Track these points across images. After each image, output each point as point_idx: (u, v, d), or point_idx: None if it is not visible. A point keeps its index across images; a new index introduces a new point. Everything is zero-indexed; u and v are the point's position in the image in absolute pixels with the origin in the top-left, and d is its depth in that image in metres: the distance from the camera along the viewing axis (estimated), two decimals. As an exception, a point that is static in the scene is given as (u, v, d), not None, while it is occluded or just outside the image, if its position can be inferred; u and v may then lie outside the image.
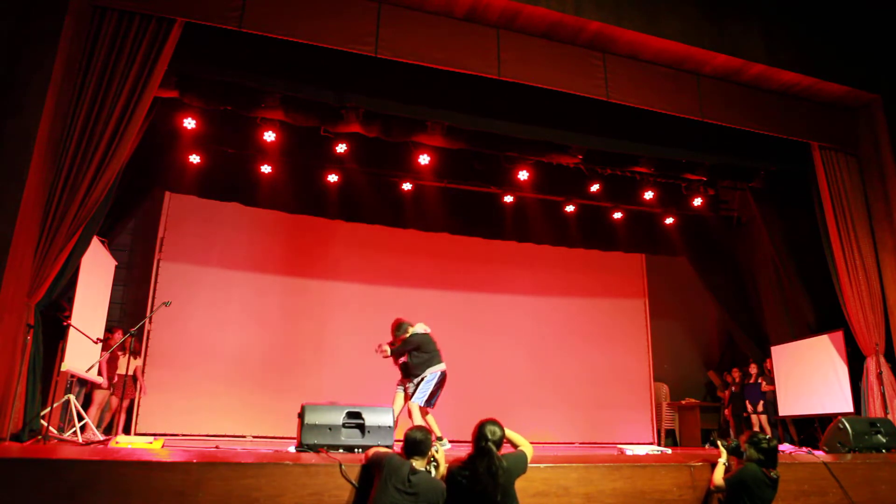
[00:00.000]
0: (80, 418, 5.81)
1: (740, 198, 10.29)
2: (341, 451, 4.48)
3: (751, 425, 9.36)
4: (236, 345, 8.88)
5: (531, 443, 4.00)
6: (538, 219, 9.81)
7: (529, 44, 6.67)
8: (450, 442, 6.38)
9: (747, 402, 9.49)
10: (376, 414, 4.69)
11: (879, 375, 7.18)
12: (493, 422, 3.68)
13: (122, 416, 7.79)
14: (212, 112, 7.30)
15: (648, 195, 9.23)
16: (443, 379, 6.32)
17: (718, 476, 4.50)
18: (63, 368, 5.77)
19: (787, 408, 8.86)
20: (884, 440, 5.95)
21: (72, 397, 5.82)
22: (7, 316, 4.66)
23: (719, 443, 4.73)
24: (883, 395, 7.10)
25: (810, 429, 8.81)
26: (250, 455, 4.14)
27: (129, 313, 8.61)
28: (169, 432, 8.01)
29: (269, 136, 7.55)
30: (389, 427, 4.67)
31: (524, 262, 10.42)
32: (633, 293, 11.13)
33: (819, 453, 5.70)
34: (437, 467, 3.77)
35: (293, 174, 8.72)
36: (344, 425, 4.58)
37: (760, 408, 9.29)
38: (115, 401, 7.61)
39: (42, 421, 5.13)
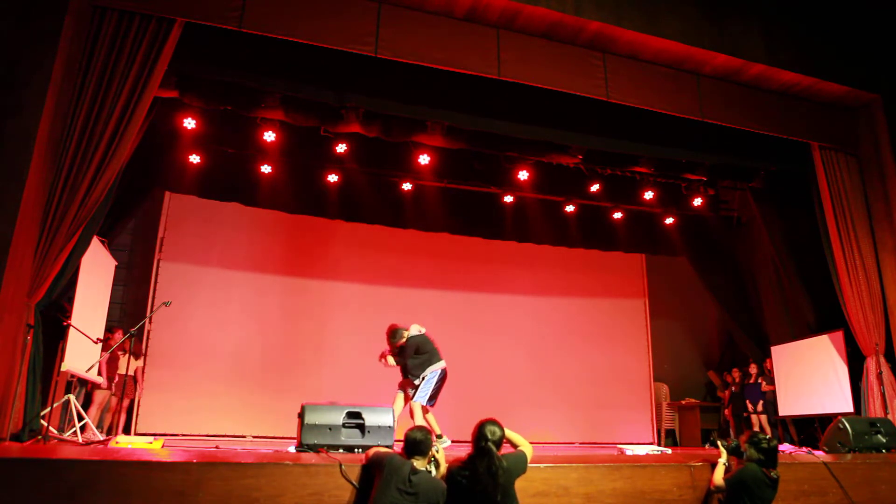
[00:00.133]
0: (80, 418, 5.81)
1: (740, 198, 10.29)
2: (341, 451, 4.48)
3: (751, 425, 9.36)
4: (236, 345, 8.88)
5: (531, 443, 4.00)
6: (538, 219, 9.80)
7: (529, 44, 6.67)
8: (451, 441, 6.38)
9: (748, 401, 9.49)
10: (376, 414, 4.69)
11: (879, 375, 7.18)
12: (493, 422, 3.68)
13: (123, 416, 7.80)
14: (212, 112, 7.30)
15: (648, 195, 9.23)
16: (443, 376, 6.33)
17: (718, 476, 4.50)
18: (63, 368, 5.77)
19: (787, 408, 8.86)
20: (884, 440, 5.95)
21: (72, 397, 5.82)
22: (7, 316, 4.66)
23: (719, 443, 4.73)
24: (883, 395, 7.10)
25: (810, 429, 8.81)
26: (250, 455, 4.14)
27: (129, 313, 8.61)
28: (169, 432, 8.00)
29: (269, 136, 7.55)
30: (389, 427, 4.68)
31: (524, 262, 10.42)
32: (633, 293, 11.13)
33: (819, 453, 5.70)
34: (437, 467, 3.77)
35: (293, 174, 8.72)
36: (344, 425, 4.58)
37: (760, 408, 9.29)
38: (115, 401, 7.60)
39: (42, 421, 5.13)
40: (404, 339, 6.40)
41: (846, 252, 7.59)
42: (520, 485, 3.79)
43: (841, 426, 6.02)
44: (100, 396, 7.48)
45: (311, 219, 9.23)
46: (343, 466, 3.88)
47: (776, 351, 9.13)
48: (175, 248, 8.90)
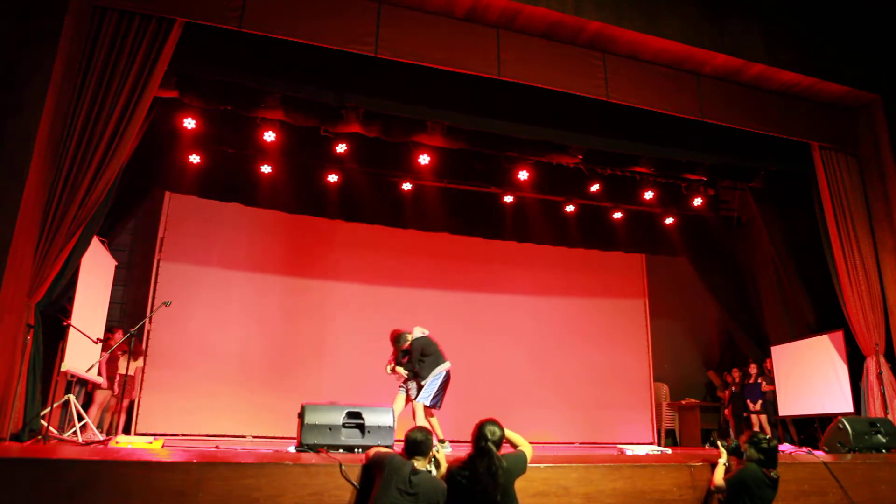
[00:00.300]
0: (80, 418, 5.81)
1: (740, 198, 10.29)
2: (341, 451, 4.48)
3: (751, 425, 9.35)
4: (236, 345, 8.88)
5: (531, 443, 4.00)
6: (538, 219, 9.81)
7: (529, 44, 6.67)
8: (450, 443, 6.38)
9: (748, 401, 9.49)
10: (376, 414, 4.69)
11: (879, 375, 7.18)
12: (493, 422, 3.68)
13: (123, 416, 7.81)
14: (212, 112, 7.30)
15: (648, 195, 9.23)
16: (448, 377, 6.35)
17: (719, 476, 4.50)
18: (63, 368, 5.77)
19: (787, 408, 8.85)
20: (884, 440, 5.95)
21: (72, 397, 5.82)
22: (7, 316, 4.66)
23: (719, 443, 4.73)
24: (883, 395, 7.10)
25: (810, 429, 8.81)
26: (250, 455, 4.14)
27: (129, 313, 8.61)
28: (169, 432, 8.00)
29: (269, 136, 7.55)
30: (389, 427, 4.68)
31: (524, 262, 10.42)
32: (633, 293, 11.13)
33: (819, 453, 5.70)
34: (438, 467, 3.77)
35: (293, 174, 8.72)
36: (344, 425, 4.58)
37: (759, 407, 9.29)
38: (115, 401, 7.61)
39: (42, 421, 5.13)
40: (409, 343, 6.43)
41: (846, 252, 7.59)
42: (520, 485, 3.79)
43: (841, 426, 6.02)
44: (100, 396, 7.48)
45: (311, 219, 9.23)
46: (343, 466, 3.88)
47: (776, 351, 9.13)
48: (175, 248, 8.90)
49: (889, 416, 6.81)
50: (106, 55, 5.39)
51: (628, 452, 5.82)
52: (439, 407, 6.38)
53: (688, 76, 7.30)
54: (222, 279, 9.03)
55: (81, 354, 6.22)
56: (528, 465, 3.84)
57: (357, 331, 9.31)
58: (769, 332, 9.58)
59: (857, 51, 7.71)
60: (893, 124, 7.67)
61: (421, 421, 6.13)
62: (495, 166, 8.58)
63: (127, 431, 7.98)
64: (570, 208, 9.68)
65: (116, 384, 7.58)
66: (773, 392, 9.09)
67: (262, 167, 8.39)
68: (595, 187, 9.11)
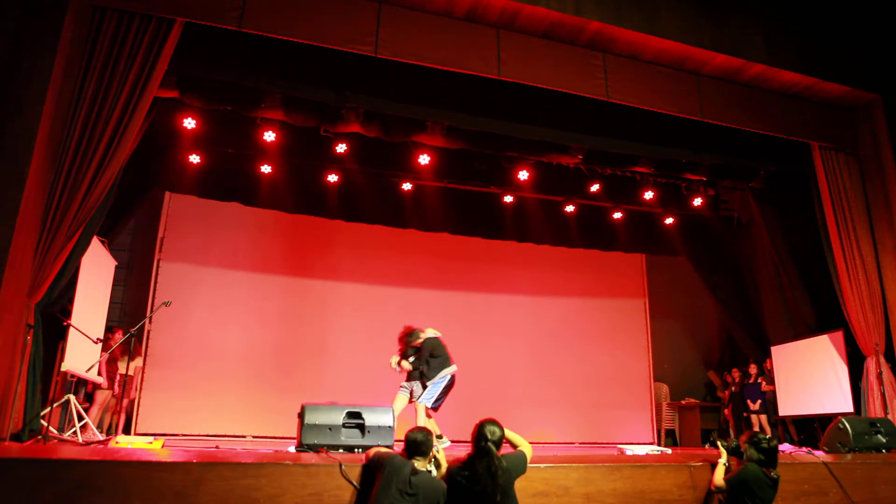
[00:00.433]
0: (80, 418, 5.81)
1: (740, 198, 10.29)
2: (341, 451, 4.48)
3: (751, 425, 9.35)
4: (236, 345, 8.87)
5: (531, 443, 4.00)
6: (538, 219, 9.81)
7: (529, 44, 6.67)
8: (450, 441, 6.38)
9: (748, 401, 9.49)
10: (376, 414, 4.69)
11: (879, 375, 7.18)
12: (493, 422, 3.68)
13: (123, 416, 7.81)
14: (212, 112, 7.30)
15: (648, 195, 9.23)
16: (452, 381, 6.37)
17: (719, 476, 4.50)
18: (63, 368, 5.77)
19: (787, 408, 8.85)
20: (884, 440, 5.95)
21: (72, 397, 5.82)
22: (7, 316, 4.66)
23: (719, 443, 4.72)
24: (883, 395, 7.10)
25: (810, 429, 8.81)
26: (250, 455, 4.14)
27: (129, 313, 8.61)
28: (169, 432, 8.00)
29: (269, 136, 7.55)
30: (389, 427, 4.68)
31: (524, 262, 10.42)
32: (633, 293, 11.13)
33: (819, 453, 5.70)
34: (438, 467, 3.77)
35: (293, 174, 8.72)
36: (344, 425, 4.58)
37: (759, 407, 9.29)
38: (115, 401, 7.61)
39: (42, 421, 5.14)
40: (420, 340, 6.43)
41: (846, 252, 7.59)
42: (520, 485, 3.79)
43: (841, 426, 6.03)
44: (101, 396, 7.48)
45: (310, 219, 9.23)
46: (343, 466, 3.88)
47: (776, 351, 9.13)
48: (175, 248, 8.90)
49: (889, 416, 6.81)
50: (106, 55, 5.39)
51: (628, 452, 5.82)
52: (436, 409, 6.39)
53: (688, 76, 7.30)
54: (222, 279, 9.03)
55: (81, 354, 6.22)
56: (528, 465, 3.84)
57: (357, 330, 9.32)
58: (769, 332, 9.58)
59: (857, 51, 7.71)
60: (893, 124, 7.67)
61: (422, 421, 6.13)
62: (495, 166, 8.58)
63: (127, 431, 7.98)
64: (570, 208, 9.68)
65: (116, 384, 7.58)
66: (773, 392, 9.09)
67: (262, 167, 8.39)
68: (595, 187, 9.11)
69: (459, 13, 6.40)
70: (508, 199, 9.43)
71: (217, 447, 5.78)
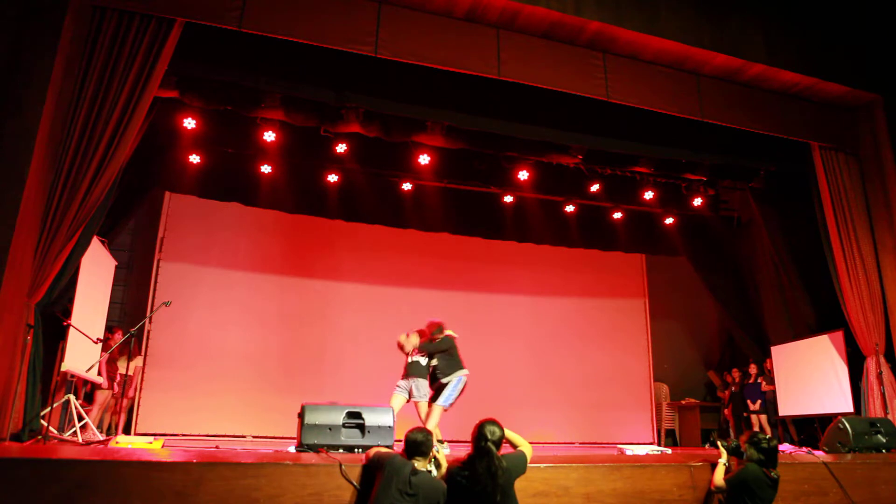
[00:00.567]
0: (80, 418, 5.81)
1: (740, 198, 10.29)
2: (341, 451, 4.48)
3: (751, 425, 9.36)
4: (236, 345, 8.87)
5: (531, 443, 4.00)
6: (538, 219, 9.81)
7: (529, 44, 6.67)
8: (449, 442, 6.38)
9: (748, 401, 9.49)
10: (376, 414, 4.70)
11: (879, 375, 7.18)
12: (493, 422, 3.68)
13: (123, 416, 7.81)
14: (212, 112, 7.30)
15: (648, 195, 9.23)
16: (465, 385, 6.42)
17: (719, 476, 4.50)
18: (63, 368, 5.77)
19: (787, 408, 8.85)
20: (884, 440, 5.95)
21: (72, 397, 5.82)
22: (7, 316, 4.66)
23: (719, 443, 4.72)
24: (883, 395, 7.10)
25: (810, 429, 8.81)
26: (250, 455, 4.14)
27: (129, 313, 8.61)
28: (169, 432, 8.00)
29: (269, 136, 7.55)
30: (389, 427, 4.68)
31: (524, 262, 10.42)
32: (633, 293, 11.13)
33: (819, 453, 5.70)
34: (438, 467, 3.77)
35: (293, 174, 8.72)
36: (344, 425, 4.58)
37: (759, 407, 9.29)
38: (115, 401, 7.61)
39: (42, 421, 5.13)
40: (441, 336, 6.49)
41: (846, 252, 7.59)
42: (520, 485, 3.79)
43: (841, 426, 6.03)
44: (101, 396, 7.48)
45: (310, 219, 9.23)
46: (343, 466, 3.88)
47: (776, 351, 9.13)
48: (175, 248, 8.90)
49: (889, 416, 6.81)
50: (106, 55, 5.39)
51: (628, 452, 5.82)
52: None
53: (688, 76, 7.30)
54: (222, 279, 9.03)
55: (81, 354, 6.22)
56: (528, 465, 3.84)
57: (357, 330, 9.32)
58: (769, 332, 9.58)
59: (857, 51, 7.71)
60: (893, 124, 7.67)
61: (435, 422, 6.15)
62: (495, 166, 8.58)
63: (127, 431, 7.98)
64: (570, 208, 9.68)
65: (116, 384, 7.58)
66: (773, 392, 9.09)
67: (262, 167, 8.39)
68: (595, 187, 9.11)
69: (459, 13, 6.40)
70: (508, 199, 9.43)
71: (217, 447, 5.78)
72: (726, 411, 10.03)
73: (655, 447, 7.09)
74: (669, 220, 10.06)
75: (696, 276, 10.53)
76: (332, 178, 8.71)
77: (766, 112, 7.56)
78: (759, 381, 9.42)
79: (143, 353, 8.38)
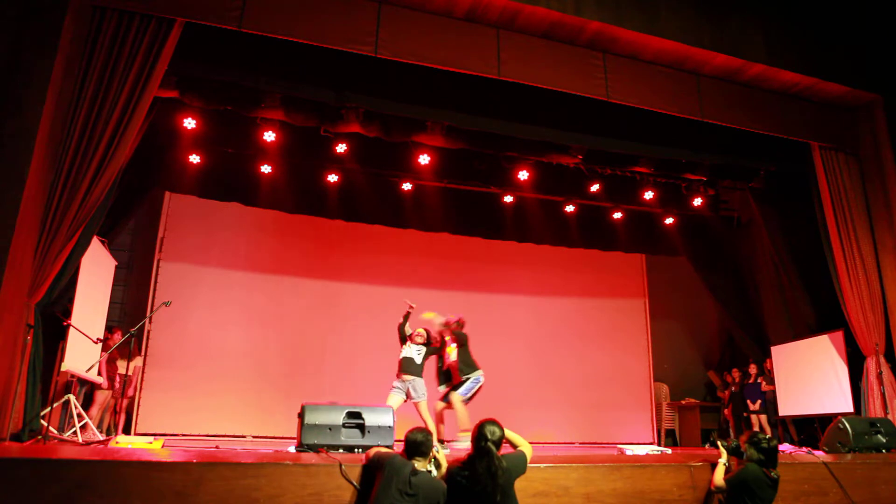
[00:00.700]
0: (80, 418, 5.81)
1: (740, 198, 10.29)
2: (341, 451, 4.48)
3: (751, 425, 9.36)
4: (236, 345, 8.87)
5: (531, 443, 4.00)
6: (538, 219, 9.81)
7: (529, 44, 6.67)
8: (449, 442, 6.38)
9: (748, 401, 9.49)
10: (376, 414, 4.69)
11: (879, 375, 7.18)
12: (493, 422, 3.68)
13: (123, 416, 7.82)
14: (212, 112, 7.30)
15: (648, 195, 9.23)
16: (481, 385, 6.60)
17: (719, 476, 4.50)
18: (63, 368, 5.77)
19: (787, 408, 8.85)
20: (884, 440, 5.95)
21: (72, 397, 5.82)
22: (7, 316, 4.66)
23: (719, 443, 4.72)
24: (883, 395, 7.10)
25: (810, 429, 8.81)
26: (250, 455, 4.14)
27: (129, 313, 8.61)
28: (169, 432, 8.00)
29: (269, 136, 7.55)
30: (389, 427, 4.67)
31: (524, 262, 10.41)
32: (633, 293, 11.13)
33: (819, 453, 5.69)
34: (438, 467, 3.77)
35: (293, 174, 8.72)
36: (344, 425, 4.58)
37: (759, 407, 9.29)
38: (115, 401, 7.61)
39: (42, 421, 5.13)
40: (462, 331, 6.67)
41: (846, 252, 7.59)
42: (520, 485, 3.79)
43: (841, 426, 6.02)
44: (100, 396, 7.48)
45: (310, 219, 9.23)
46: (343, 466, 3.88)
47: (776, 351, 9.13)
48: (175, 248, 8.90)
49: (889, 416, 6.81)
50: (106, 55, 5.39)
51: (628, 452, 5.82)
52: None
53: (688, 76, 7.30)
54: (222, 279, 9.03)
55: (81, 354, 6.22)
56: (528, 465, 3.84)
57: (357, 330, 9.31)
58: (769, 332, 9.58)
59: (857, 51, 7.71)
60: (893, 124, 7.67)
61: (462, 411, 6.26)
62: (495, 166, 8.58)
63: (127, 431, 7.98)
64: (570, 208, 9.68)
65: (116, 384, 7.58)
66: (773, 392, 9.09)
67: (262, 167, 8.39)
68: (595, 187, 9.11)
69: (459, 13, 6.40)
70: (508, 199, 9.43)
71: (217, 447, 5.78)
72: (726, 411, 10.03)
73: (655, 447, 7.10)
74: (669, 220, 10.06)
75: (696, 276, 10.53)
76: (332, 178, 8.71)
77: (766, 112, 7.56)
78: (759, 381, 9.42)
79: (143, 353, 8.38)
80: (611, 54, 6.96)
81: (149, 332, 8.52)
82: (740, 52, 7.09)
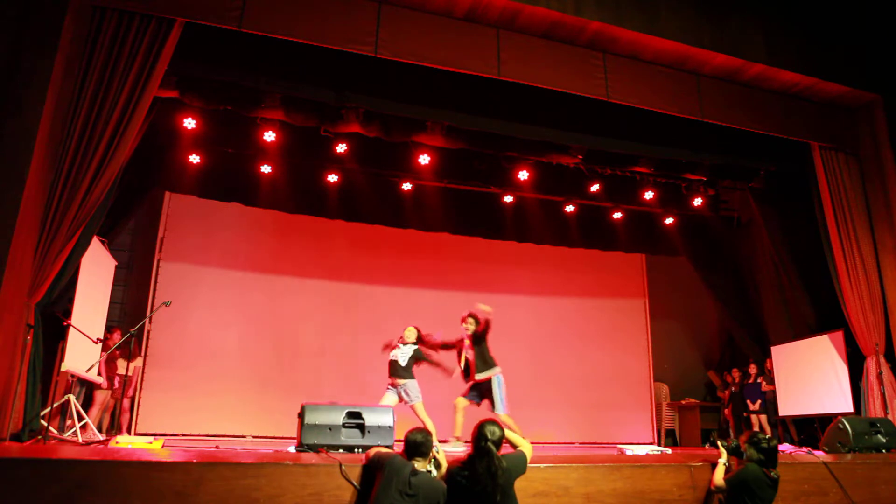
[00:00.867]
0: (80, 418, 5.81)
1: (740, 198, 10.29)
2: (341, 451, 4.48)
3: (751, 425, 9.36)
4: (236, 345, 8.87)
5: (531, 443, 4.00)
6: (538, 219, 9.80)
7: (529, 44, 6.67)
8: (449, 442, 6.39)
9: (748, 401, 9.49)
10: (376, 414, 4.69)
11: (879, 375, 7.18)
12: (493, 422, 3.68)
13: (126, 416, 7.83)
14: (212, 112, 7.30)
15: (648, 195, 9.23)
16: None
17: (719, 476, 4.50)
18: (63, 368, 5.77)
19: (787, 408, 8.85)
20: (884, 440, 5.95)
21: (72, 397, 5.82)
22: (7, 316, 4.66)
23: (719, 443, 4.72)
24: (883, 395, 7.10)
25: (810, 429, 8.80)
26: (250, 455, 4.14)
27: (129, 313, 8.60)
28: (169, 432, 8.00)
29: (269, 136, 7.55)
30: (389, 427, 4.67)
31: (524, 262, 10.41)
32: (633, 293, 11.12)
33: (819, 453, 5.70)
34: (438, 468, 3.77)
35: (293, 174, 8.71)
36: (344, 425, 4.58)
37: (759, 407, 9.29)
38: (115, 401, 7.61)
39: (42, 421, 5.13)
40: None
41: (846, 252, 7.59)
42: (520, 485, 3.79)
43: (841, 426, 6.02)
44: (100, 396, 7.48)
45: (310, 219, 9.22)
46: (343, 466, 3.88)
47: (776, 351, 9.13)
48: (175, 248, 8.90)
49: (889, 416, 6.81)
50: (106, 55, 5.39)
51: (628, 452, 5.82)
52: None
53: (688, 76, 7.30)
54: (222, 279, 9.03)
55: (81, 354, 6.22)
56: (528, 465, 3.84)
57: (357, 330, 9.31)
58: (769, 332, 9.58)
59: (857, 51, 7.71)
60: (893, 124, 7.67)
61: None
62: (495, 166, 8.58)
63: (126, 431, 7.97)
64: (570, 208, 9.68)
65: (116, 384, 7.58)
66: (773, 392, 9.08)
67: (262, 167, 8.39)
68: (595, 187, 9.10)
69: (459, 13, 6.40)
70: (508, 199, 9.43)
71: (217, 447, 5.77)
72: (726, 411, 10.03)
73: (655, 447, 7.09)
74: (669, 220, 10.06)
75: (696, 276, 10.53)
76: (332, 178, 8.71)
77: (766, 112, 7.56)
78: (759, 381, 9.42)
79: (143, 353, 8.37)
80: (611, 54, 6.96)
81: (149, 332, 8.51)
82: (740, 52, 7.08)
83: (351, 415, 4.62)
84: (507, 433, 3.81)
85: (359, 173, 8.82)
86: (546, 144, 7.61)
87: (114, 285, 7.59)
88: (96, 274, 6.78)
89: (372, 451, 4.00)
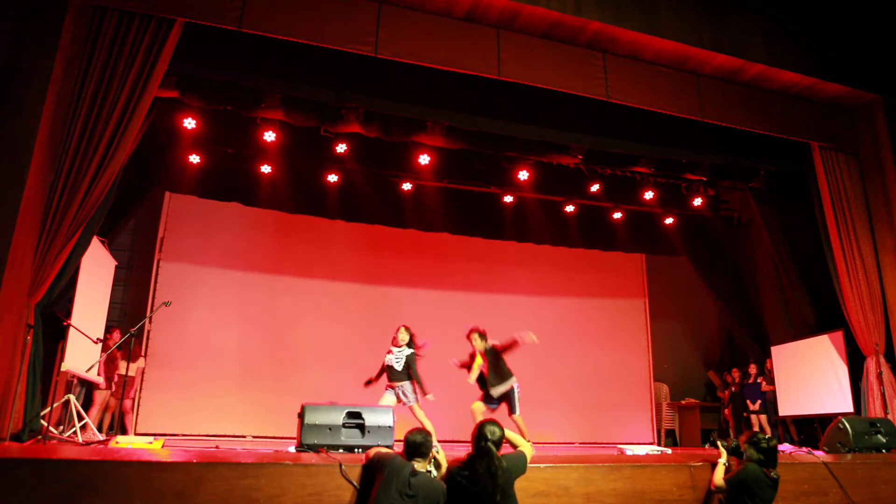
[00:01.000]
0: (80, 418, 5.81)
1: (740, 198, 10.29)
2: (341, 451, 4.48)
3: (751, 425, 9.35)
4: (236, 345, 8.87)
5: (531, 443, 4.00)
6: (538, 219, 9.81)
7: (529, 44, 6.66)
8: (450, 442, 6.39)
9: (748, 401, 9.49)
10: (376, 414, 4.70)
11: (879, 375, 7.18)
12: (493, 422, 3.68)
13: (129, 416, 7.83)
14: (212, 112, 7.30)
15: (648, 195, 9.23)
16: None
17: (719, 476, 4.50)
18: (63, 368, 5.77)
19: (787, 408, 8.85)
20: (884, 440, 5.95)
21: (72, 397, 5.82)
22: (7, 316, 4.66)
23: (719, 443, 4.72)
24: (883, 395, 7.10)
25: (810, 429, 8.80)
26: (250, 455, 4.14)
27: (129, 313, 8.61)
28: (169, 432, 8.00)
29: (269, 136, 7.55)
30: (389, 427, 4.67)
31: (524, 262, 10.41)
32: (633, 293, 11.12)
33: (819, 453, 5.69)
34: (438, 468, 3.77)
35: (293, 174, 8.72)
36: (344, 425, 4.58)
37: (759, 407, 9.29)
38: (115, 401, 7.61)
39: (42, 421, 5.14)
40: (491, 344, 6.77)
41: (846, 252, 7.59)
42: (520, 485, 3.79)
43: (841, 426, 6.02)
44: (100, 396, 7.48)
45: (310, 219, 9.23)
46: (343, 466, 3.88)
47: (776, 351, 9.13)
48: (175, 248, 8.90)
49: (889, 416, 6.81)
50: (106, 55, 5.39)
51: (628, 452, 5.82)
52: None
53: (688, 76, 7.30)
54: (222, 279, 9.03)
55: (81, 354, 6.22)
56: (528, 465, 3.84)
57: (357, 330, 9.31)
58: (769, 332, 9.58)
59: (857, 51, 7.71)
60: (893, 124, 7.67)
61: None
62: (495, 166, 8.58)
63: (126, 432, 7.97)
64: (570, 208, 9.68)
65: (115, 384, 7.58)
66: (773, 392, 9.08)
67: (262, 167, 8.39)
68: (595, 187, 9.11)
69: (459, 13, 6.40)
70: (508, 199, 9.43)
71: (217, 447, 5.78)
72: (726, 411, 10.03)
73: (655, 447, 7.10)
74: (669, 220, 10.06)
75: (696, 276, 10.53)
76: (332, 178, 8.71)
77: (766, 112, 7.56)
78: (759, 381, 9.42)
79: (143, 353, 8.38)
80: (611, 54, 6.96)
81: (149, 332, 8.52)
82: (740, 52, 7.08)
83: (351, 415, 4.63)
84: (508, 433, 3.81)
85: (359, 173, 8.82)
86: (546, 144, 7.61)
87: (114, 285, 7.59)
88: (96, 274, 6.78)
89: (372, 452, 3.99)
